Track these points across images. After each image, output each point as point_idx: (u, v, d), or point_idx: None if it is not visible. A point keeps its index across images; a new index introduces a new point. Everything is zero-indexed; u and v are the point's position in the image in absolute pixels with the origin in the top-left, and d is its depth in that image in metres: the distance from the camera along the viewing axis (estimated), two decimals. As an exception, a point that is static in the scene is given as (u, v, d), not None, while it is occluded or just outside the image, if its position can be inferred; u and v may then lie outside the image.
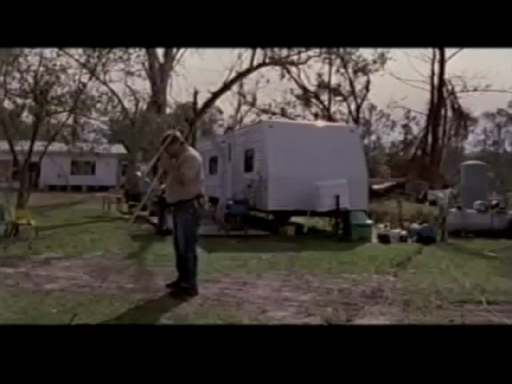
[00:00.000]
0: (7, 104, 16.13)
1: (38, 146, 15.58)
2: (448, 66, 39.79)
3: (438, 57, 39.32)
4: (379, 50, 38.18)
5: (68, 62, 15.59)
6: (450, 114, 42.99)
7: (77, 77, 15.83)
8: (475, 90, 40.16)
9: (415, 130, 48.89)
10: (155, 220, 13.56)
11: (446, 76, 39.98)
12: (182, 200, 6.48)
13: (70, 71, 15.49)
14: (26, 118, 19.09)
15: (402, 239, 12.68)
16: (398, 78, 63.24)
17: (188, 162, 6.52)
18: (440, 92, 39.70)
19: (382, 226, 14.74)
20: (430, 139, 40.93)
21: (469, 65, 63.00)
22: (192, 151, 6.78)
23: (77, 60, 15.99)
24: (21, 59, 14.36)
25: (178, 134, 6.80)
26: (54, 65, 14.92)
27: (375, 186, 25.47)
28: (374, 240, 12.71)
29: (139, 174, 6.63)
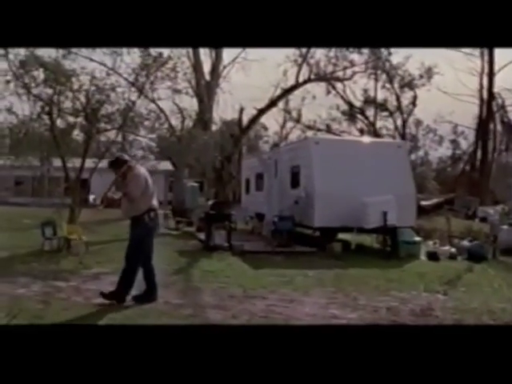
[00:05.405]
0: (59, 123, 16.58)
1: (89, 162, 15.96)
2: (497, 79, 39.05)
3: (486, 70, 38.64)
4: (426, 64, 37.90)
5: (117, 81, 15.97)
6: (499, 128, 42.11)
7: (126, 95, 16.18)
8: (526, 103, 39.25)
9: (464, 144, 47.98)
10: (202, 236, 13.66)
11: (495, 89, 39.22)
12: (134, 216, 6.84)
13: (119, 90, 15.85)
14: (77, 135, 19.57)
15: (452, 257, 12.41)
16: (445, 92, 62.28)
17: (133, 180, 6.82)
18: (489, 106, 38.89)
19: (430, 243, 14.45)
20: (479, 154, 40.09)
21: (519, 78, 61.54)
22: (139, 170, 7.03)
23: (126, 79, 16.36)
24: (73, 79, 14.80)
25: (125, 156, 7.28)
26: (105, 84, 15.30)
27: (423, 202, 25.04)
28: (423, 257, 12.47)
29: (91, 198, 6.82)
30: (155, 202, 7.02)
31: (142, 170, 7.09)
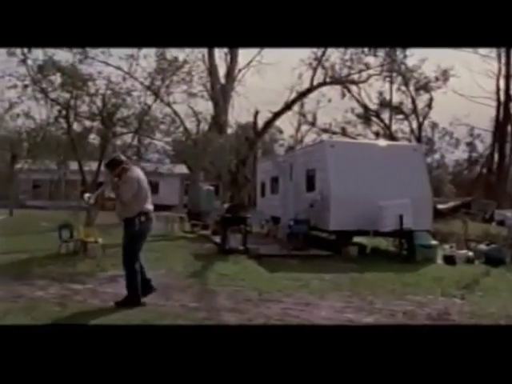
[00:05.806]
0: (76, 126, 16.74)
1: (105, 166, 16.13)
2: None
3: (503, 72, 38.31)
4: (442, 66, 37.65)
5: (133, 85, 16.11)
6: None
7: (141, 99, 16.31)
8: (544, 104, 38.77)
9: (480, 147, 47.57)
10: (217, 239, 13.69)
11: (512, 91, 38.80)
12: (127, 218, 6.88)
13: (135, 94, 15.99)
14: (94, 139, 19.74)
15: (469, 261, 12.30)
16: (462, 94, 61.74)
17: (126, 183, 6.83)
18: (506, 108, 38.52)
19: (447, 246, 14.32)
20: (496, 157, 39.73)
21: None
22: (132, 172, 6.98)
23: (141, 83, 16.48)
24: (89, 83, 14.95)
25: (121, 157, 7.21)
26: (121, 88, 15.44)
27: (440, 206, 24.86)
28: (439, 261, 12.37)
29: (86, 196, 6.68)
30: (149, 206, 7.02)
31: (135, 172, 7.03)
